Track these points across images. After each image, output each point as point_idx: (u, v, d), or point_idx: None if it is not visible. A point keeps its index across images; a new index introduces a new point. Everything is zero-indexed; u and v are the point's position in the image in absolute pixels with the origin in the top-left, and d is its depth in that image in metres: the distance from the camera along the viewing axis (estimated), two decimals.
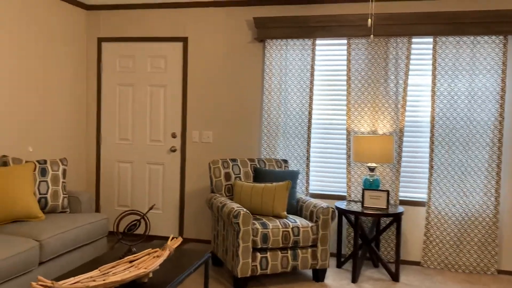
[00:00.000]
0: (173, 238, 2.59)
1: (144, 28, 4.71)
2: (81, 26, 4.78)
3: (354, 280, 3.67)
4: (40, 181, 3.45)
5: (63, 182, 3.59)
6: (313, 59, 4.27)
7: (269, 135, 4.39)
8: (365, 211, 3.69)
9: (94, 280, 2.09)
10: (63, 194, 3.57)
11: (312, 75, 4.28)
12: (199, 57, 4.60)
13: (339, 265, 4.03)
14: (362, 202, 3.87)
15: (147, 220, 2.74)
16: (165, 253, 2.46)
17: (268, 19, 4.27)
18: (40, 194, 3.43)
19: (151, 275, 2.35)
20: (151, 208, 2.84)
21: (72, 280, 2.07)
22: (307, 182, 4.32)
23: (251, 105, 4.50)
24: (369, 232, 4.00)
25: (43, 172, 3.49)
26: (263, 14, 4.41)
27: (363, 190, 3.88)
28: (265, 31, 4.32)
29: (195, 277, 3.66)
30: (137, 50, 4.75)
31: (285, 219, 3.57)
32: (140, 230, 4.75)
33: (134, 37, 4.74)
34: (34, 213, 3.25)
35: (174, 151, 4.69)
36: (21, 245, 2.79)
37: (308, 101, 4.30)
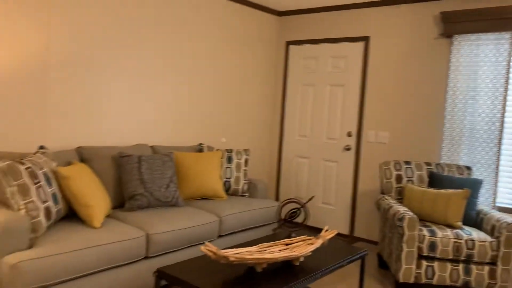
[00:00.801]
0: (327, 230, 2.70)
1: (328, 30, 4.90)
2: (273, 31, 5.26)
3: None
4: (226, 167, 3.98)
5: (244, 169, 4.07)
6: (509, 55, 3.76)
7: (451, 138, 4.06)
8: None
9: (251, 254, 2.36)
10: (244, 180, 4.04)
11: (507, 73, 3.78)
12: (380, 56, 4.55)
13: None
14: None
15: (306, 210, 2.91)
16: (318, 242, 2.58)
17: (457, 13, 3.94)
18: (225, 178, 3.96)
19: (302, 259, 2.51)
20: (310, 199, 3.00)
21: (233, 251, 2.38)
22: (495, 193, 3.84)
23: (432, 105, 4.23)
24: None
25: (229, 160, 4.02)
26: (450, 8, 4.09)
27: None
28: (453, 26, 4.00)
29: (356, 273, 3.68)
30: (319, 51, 4.98)
31: (459, 230, 3.28)
32: (314, 222, 4.97)
33: (317, 39, 4.98)
34: (219, 193, 3.79)
35: (348, 149, 4.76)
36: (206, 218, 3.29)
37: (501, 102, 3.81)
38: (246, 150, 4.16)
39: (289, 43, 5.24)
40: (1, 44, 2.99)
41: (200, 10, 4.36)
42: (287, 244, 2.64)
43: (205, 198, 3.80)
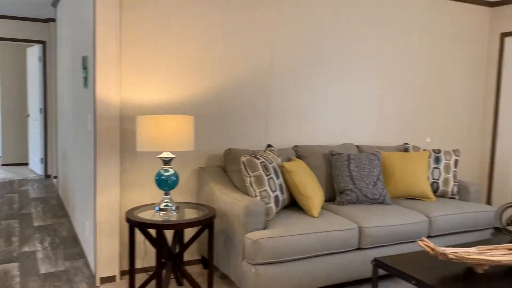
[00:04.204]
0: None
1: None
2: (484, 23, 4.90)
3: None
4: (433, 168, 3.92)
5: (454, 171, 3.93)
6: None
7: None
8: None
9: (470, 255, 2.34)
10: (453, 182, 3.90)
11: None
12: None
13: None
14: None
15: None
16: None
17: None
18: (432, 179, 3.90)
19: None
20: None
21: (451, 249, 2.39)
22: None
23: None
24: None
25: (437, 160, 3.94)
26: None
27: None
28: None
29: None
30: None
31: None
32: None
33: None
34: (426, 194, 3.76)
35: None
36: (415, 217, 3.33)
37: None
38: (455, 151, 4.01)
39: (504, 35, 4.79)
40: (237, 62, 3.61)
41: (406, 9, 4.38)
42: (510, 249, 2.51)
43: (411, 198, 3.82)
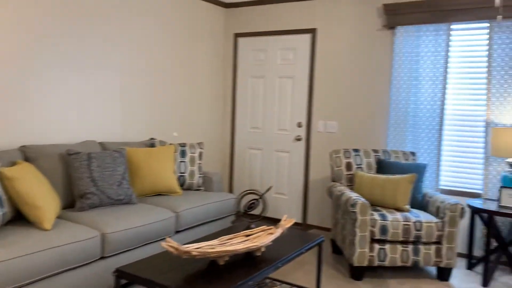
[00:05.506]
0: (286, 219, 2.74)
1: (276, 22, 4.94)
2: (220, 23, 5.23)
3: (485, 284, 3.37)
4: (179, 161, 3.93)
5: (199, 163, 4.03)
6: (447, 46, 3.99)
7: (396, 126, 4.25)
8: (502, 211, 3.35)
9: (213, 248, 2.35)
10: (199, 174, 4.00)
11: (446, 62, 4.00)
12: (327, 48, 4.65)
13: (470, 267, 3.73)
14: (499, 201, 3.51)
15: (265, 200, 2.94)
16: (278, 231, 2.62)
17: (398, 5, 4.11)
18: (179, 172, 3.90)
19: (263, 249, 2.54)
20: (268, 190, 3.03)
21: (195, 245, 2.36)
22: (437, 177, 4.07)
23: (378, 95, 4.41)
24: (507, 235, 3.61)
25: (183, 154, 3.96)
26: (392, 0, 4.26)
27: (501, 187, 3.51)
28: (395, 17, 4.17)
29: (312, 260, 3.78)
30: (268, 43, 5.01)
31: (407, 213, 3.45)
32: (271, 211, 5.02)
33: (266, 31, 5.00)
34: (173, 189, 3.73)
35: (299, 140, 4.85)
36: (161, 214, 3.23)
37: (441, 91, 4.03)
38: (199, 144, 4.12)
39: (237, 35, 5.23)
40: None
41: (148, 2, 4.24)
42: (247, 235, 2.66)
43: (159, 194, 3.73)
